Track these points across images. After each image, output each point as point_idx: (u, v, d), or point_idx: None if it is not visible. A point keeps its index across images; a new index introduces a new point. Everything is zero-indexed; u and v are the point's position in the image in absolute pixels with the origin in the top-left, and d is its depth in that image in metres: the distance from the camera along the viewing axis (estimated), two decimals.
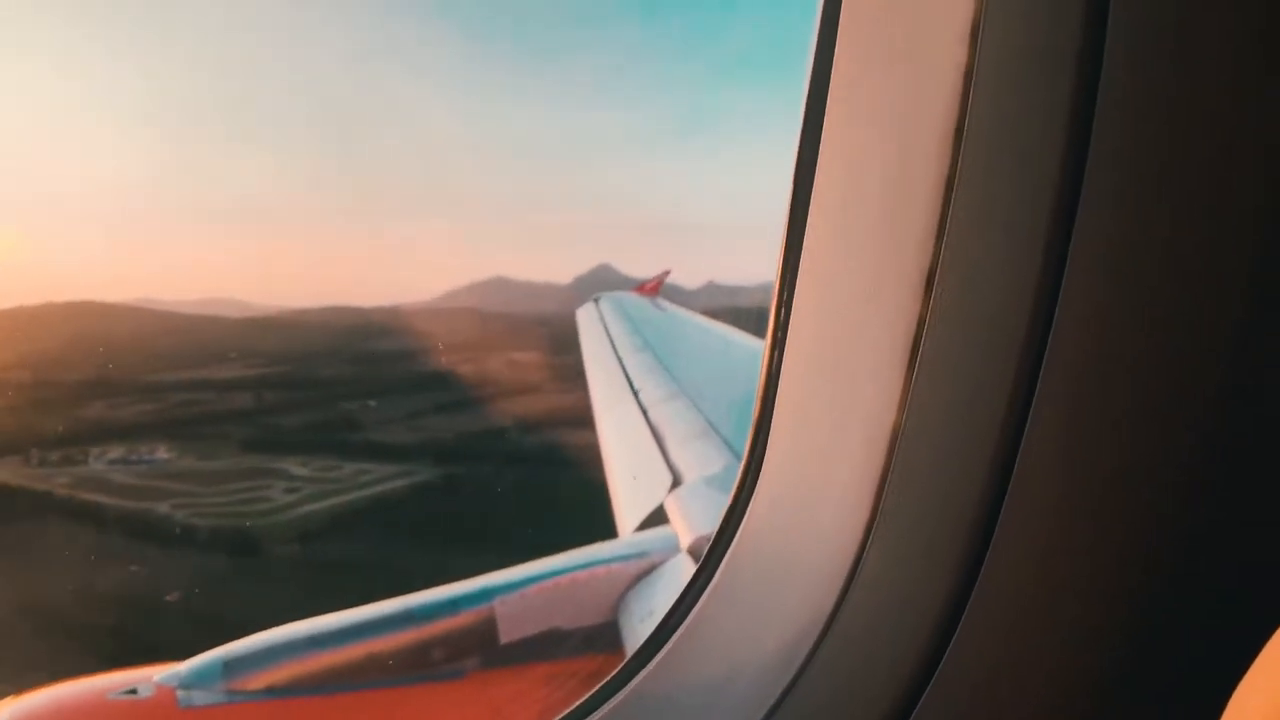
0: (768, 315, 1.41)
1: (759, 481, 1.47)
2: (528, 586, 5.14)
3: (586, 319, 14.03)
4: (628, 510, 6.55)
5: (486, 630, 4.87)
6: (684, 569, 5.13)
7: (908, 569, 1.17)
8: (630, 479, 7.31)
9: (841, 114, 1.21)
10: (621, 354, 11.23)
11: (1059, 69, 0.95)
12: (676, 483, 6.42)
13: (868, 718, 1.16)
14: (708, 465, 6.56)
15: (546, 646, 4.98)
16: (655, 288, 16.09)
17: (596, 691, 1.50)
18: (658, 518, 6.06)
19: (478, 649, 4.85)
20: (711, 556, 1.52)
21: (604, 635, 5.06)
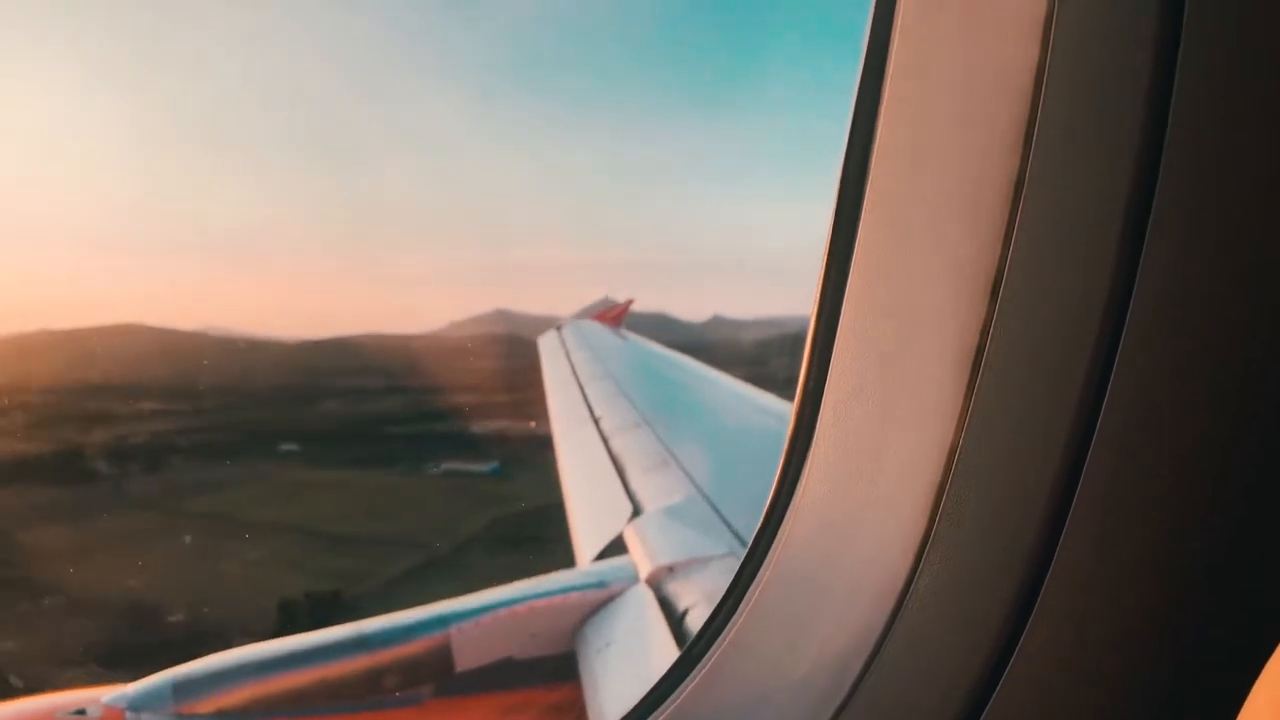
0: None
1: (798, 493, 1.36)
2: (484, 614, 5.10)
3: (548, 347, 14.00)
4: (586, 539, 6.53)
5: (442, 658, 4.82)
6: (642, 599, 5.12)
7: (965, 588, 1.11)
8: (589, 508, 7.29)
9: (898, 112, 1.15)
10: (583, 382, 11.22)
11: (1133, 68, 0.92)
12: (636, 512, 6.41)
13: None
14: (668, 496, 6.56)
15: (502, 676, 4.93)
16: (618, 317, 16.11)
17: (639, 706, 1.43)
18: (616, 547, 6.05)
19: (433, 676, 4.80)
20: (746, 569, 1.41)
21: (560, 665, 5.03)
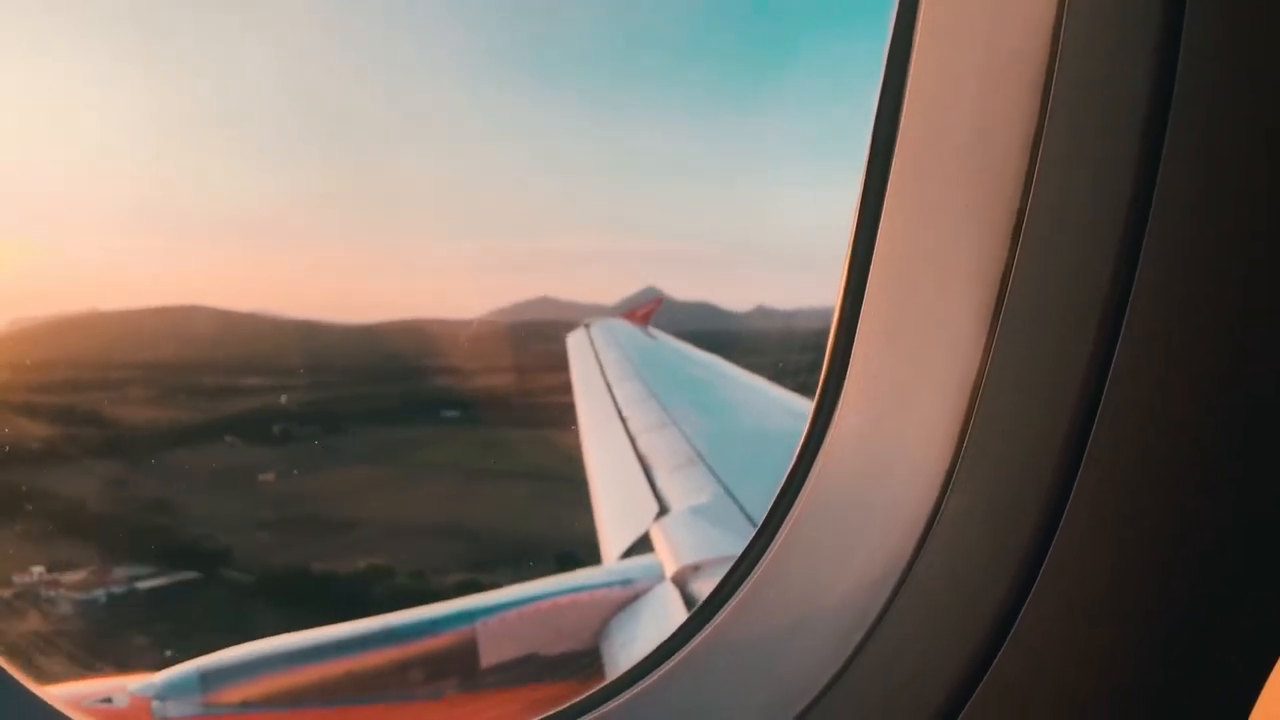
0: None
1: (830, 430, 1.42)
2: (510, 610, 5.10)
3: (577, 346, 14.01)
4: (613, 537, 6.52)
5: (467, 652, 4.82)
6: (668, 597, 5.10)
7: (987, 522, 1.16)
8: (616, 506, 7.29)
9: (927, 61, 1.21)
10: (611, 381, 11.21)
11: (1144, 18, 0.96)
12: (663, 511, 6.40)
13: (944, 672, 1.15)
14: (695, 495, 6.54)
15: (526, 671, 4.93)
16: (646, 315, 16.07)
17: (666, 642, 1.47)
18: (643, 545, 6.04)
19: (457, 671, 4.80)
20: (778, 507, 1.47)
21: (584, 662, 5.02)
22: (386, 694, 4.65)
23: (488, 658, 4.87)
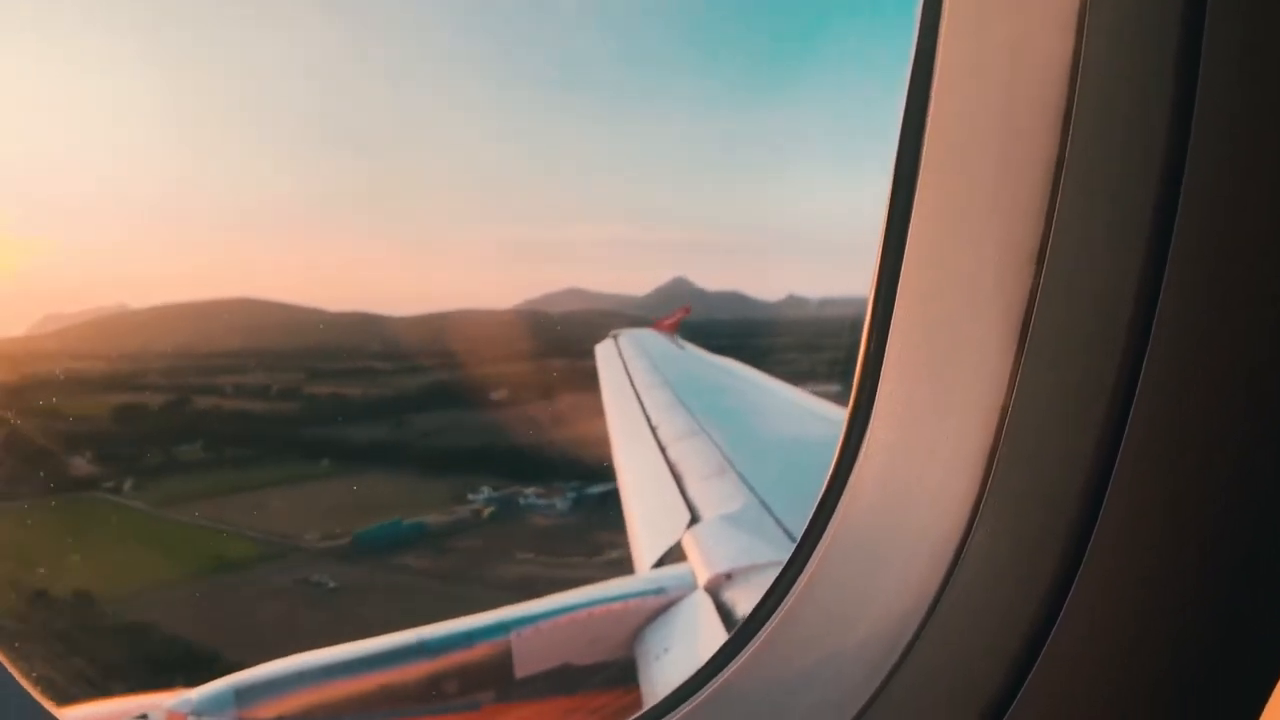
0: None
1: (859, 460, 1.44)
2: (544, 621, 5.10)
3: (605, 355, 14.02)
4: (645, 546, 6.50)
5: (502, 664, 4.82)
6: (701, 606, 5.07)
7: (1015, 550, 1.17)
8: (648, 515, 7.27)
9: (948, 95, 1.22)
10: (640, 391, 11.21)
11: (1162, 54, 0.97)
12: (694, 520, 6.37)
13: (973, 699, 1.17)
14: (726, 503, 6.51)
15: (561, 681, 4.92)
16: (674, 324, 16.09)
17: (697, 674, 1.49)
18: (675, 554, 6.01)
19: (493, 682, 4.80)
20: (809, 536, 1.49)
21: (618, 672, 5.01)
22: (422, 707, 4.65)
23: (522, 669, 4.86)
